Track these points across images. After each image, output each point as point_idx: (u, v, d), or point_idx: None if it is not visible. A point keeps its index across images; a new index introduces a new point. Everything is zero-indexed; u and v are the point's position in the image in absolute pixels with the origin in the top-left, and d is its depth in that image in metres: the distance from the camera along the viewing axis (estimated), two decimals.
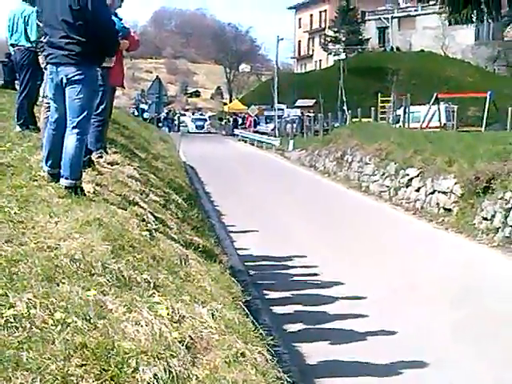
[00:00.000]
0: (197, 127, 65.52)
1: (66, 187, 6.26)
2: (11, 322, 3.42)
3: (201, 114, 79.62)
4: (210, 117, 76.46)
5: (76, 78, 6.29)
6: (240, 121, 63.03)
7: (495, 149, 15.38)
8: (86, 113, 6.37)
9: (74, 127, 6.33)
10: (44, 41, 6.58)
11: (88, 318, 3.68)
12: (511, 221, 12.43)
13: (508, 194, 12.76)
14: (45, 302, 3.71)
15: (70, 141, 6.32)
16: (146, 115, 50.14)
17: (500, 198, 13.01)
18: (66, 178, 6.31)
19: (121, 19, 8.76)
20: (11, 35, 10.17)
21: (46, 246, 4.60)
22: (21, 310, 3.57)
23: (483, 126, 29.23)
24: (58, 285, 4.02)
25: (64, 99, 6.39)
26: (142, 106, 58.30)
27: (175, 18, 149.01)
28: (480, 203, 13.71)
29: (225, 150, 40.56)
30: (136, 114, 52.97)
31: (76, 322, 3.58)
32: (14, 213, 5.17)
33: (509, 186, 12.91)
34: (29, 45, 10.00)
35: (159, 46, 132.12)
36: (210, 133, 64.31)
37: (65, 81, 6.32)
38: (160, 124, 52.81)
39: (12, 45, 10.26)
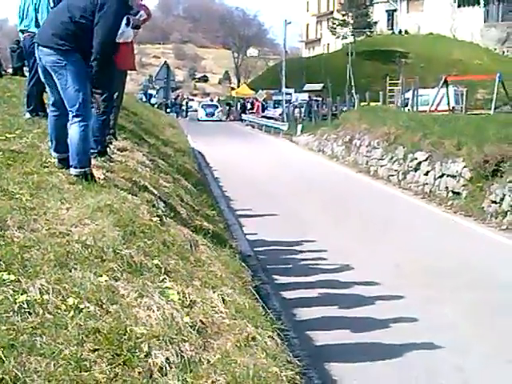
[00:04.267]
0: (207, 114, 59.11)
1: (75, 175, 6.27)
2: (24, 308, 3.48)
3: (211, 100, 77.65)
4: (220, 102, 72.44)
5: (57, 65, 6.17)
6: (249, 106, 62.73)
7: (504, 131, 15.35)
8: (82, 98, 6.20)
9: (74, 116, 6.23)
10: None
11: (100, 303, 3.73)
12: None
13: None
14: (57, 287, 3.76)
15: (73, 130, 6.23)
16: (153, 101, 50.09)
17: (509, 181, 13.01)
18: (75, 167, 6.30)
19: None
20: (21, 21, 10.16)
21: (57, 232, 4.64)
22: (34, 295, 3.62)
23: (492, 108, 29.10)
24: (71, 271, 4.07)
25: (55, 82, 6.32)
26: (150, 91, 58.29)
27: (183, 2, 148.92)
28: (489, 186, 13.72)
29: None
30: (144, 99, 52.95)
31: (88, 308, 3.63)
32: (26, 199, 5.20)
33: None
34: None
35: (167, 31, 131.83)
36: (221, 121, 58.37)
37: (49, 69, 6.27)
38: (168, 110, 52.80)
39: (22, 31, 10.25)
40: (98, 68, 6.24)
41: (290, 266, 9.39)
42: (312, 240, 10.83)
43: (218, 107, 62.49)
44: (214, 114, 59.38)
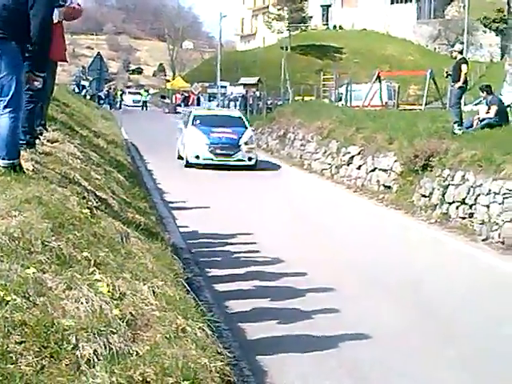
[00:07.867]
0: (221, 147, 21.10)
1: (3, 167, 6.15)
2: None
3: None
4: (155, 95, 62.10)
5: None
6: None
7: (434, 127, 15.70)
8: (15, 89, 6.07)
9: (5, 106, 6.10)
10: None
11: (27, 295, 3.68)
12: (449, 198, 12.71)
13: (446, 172, 13.05)
14: None
15: (3, 121, 6.09)
16: (83, 92, 49.28)
17: (438, 176, 13.30)
18: (3, 159, 6.17)
19: None
20: None
21: None
22: None
23: (423, 104, 29.70)
24: None
25: None
26: (83, 82, 57.37)
27: None
28: (419, 180, 14.01)
29: None
30: (77, 90, 52.12)
31: (15, 300, 3.57)
32: None
33: (447, 164, 13.20)
34: None
35: (100, 22, 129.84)
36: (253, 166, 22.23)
37: None
38: (101, 101, 52.14)
39: None
40: (40, 50, 6.16)
41: (223, 258, 9.41)
42: (243, 233, 10.86)
43: (244, 125, 23.11)
44: (238, 147, 21.20)
